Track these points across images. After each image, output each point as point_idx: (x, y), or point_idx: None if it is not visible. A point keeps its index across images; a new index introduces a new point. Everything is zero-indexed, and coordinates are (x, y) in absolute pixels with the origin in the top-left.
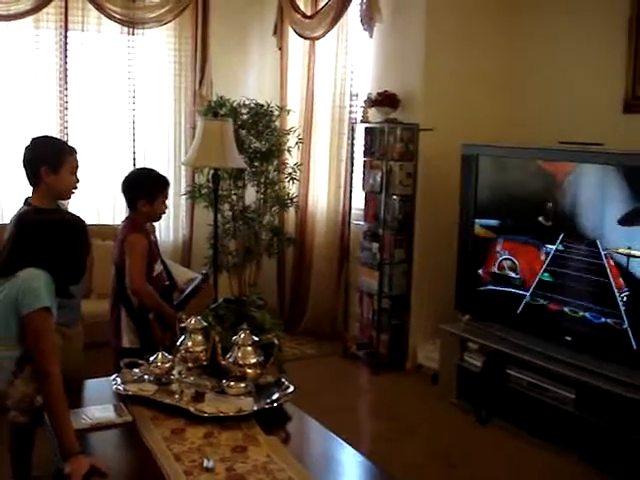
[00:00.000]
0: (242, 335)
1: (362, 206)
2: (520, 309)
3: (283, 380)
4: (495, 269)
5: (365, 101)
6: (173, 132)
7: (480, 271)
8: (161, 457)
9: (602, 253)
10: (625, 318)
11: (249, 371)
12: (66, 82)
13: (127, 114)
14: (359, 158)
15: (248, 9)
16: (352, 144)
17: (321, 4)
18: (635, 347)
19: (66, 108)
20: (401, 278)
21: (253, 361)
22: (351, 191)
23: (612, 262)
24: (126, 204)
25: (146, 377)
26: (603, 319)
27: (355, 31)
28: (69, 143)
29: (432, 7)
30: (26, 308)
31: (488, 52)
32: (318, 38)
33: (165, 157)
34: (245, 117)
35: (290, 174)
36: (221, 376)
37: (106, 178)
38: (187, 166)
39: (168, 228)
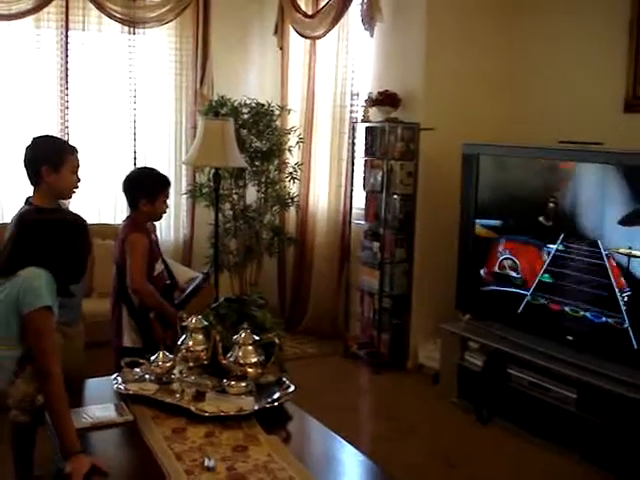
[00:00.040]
0: (243, 334)
1: (363, 205)
2: (521, 309)
3: (284, 379)
4: (496, 269)
5: (366, 100)
6: (174, 131)
7: (481, 271)
8: (162, 456)
9: (603, 253)
10: (626, 318)
11: (250, 370)
12: (67, 81)
13: (128, 113)
14: (360, 157)
15: (249, 8)
16: (353, 143)
17: (322, 3)
18: (636, 347)
19: (67, 107)
20: (402, 277)
21: (254, 360)
22: (352, 190)
23: (613, 262)
24: (127, 203)
25: (147, 376)
26: (604, 319)
27: (356, 30)
28: (70, 142)
29: (433, 7)
30: (27, 307)
31: (489, 52)
32: (319, 37)
33: (166, 156)
34: (246, 116)
35: (291, 173)
36: (222, 375)
37: (107, 177)
38: (188, 165)
39: (169, 227)
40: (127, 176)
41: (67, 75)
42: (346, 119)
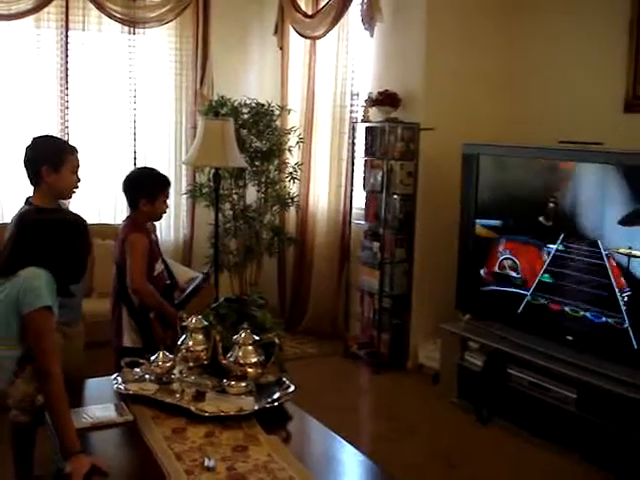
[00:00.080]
0: (243, 334)
1: (363, 205)
2: (521, 308)
3: (284, 379)
4: (496, 269)
5: (366, 100)
6: (174, 131)
7: (481, 271)
8: (162, 456)
9: (603, 253)
10: (626, 318)
11: (250, 370)
12: (67, 81)
13: (128, 113)
14: (360, 157)
15: (249, 8)
16: (353, 143)
17: (322, 3)
18: (636, 347)
19: (67, 107)
20: (402, 277)
21: (254, 360)
22: (352, 190)
23: (613, 262)
24: (127, 203)
25: (147, 376)
26: (604, 319)
27: (356, 30)
28: (70, 142)
29: (433, 7)
30: (27, 307)
31: (489, 52)
32: (319, 37)
33: (166, 156)
34: (246, 116)
35: (291, 173)
36: (222, 375)
37: (107, 177)
38: (188, 165)
39: (169, 227)
40: (127, 176)
41: (67, 75)
42: (346, 119)
